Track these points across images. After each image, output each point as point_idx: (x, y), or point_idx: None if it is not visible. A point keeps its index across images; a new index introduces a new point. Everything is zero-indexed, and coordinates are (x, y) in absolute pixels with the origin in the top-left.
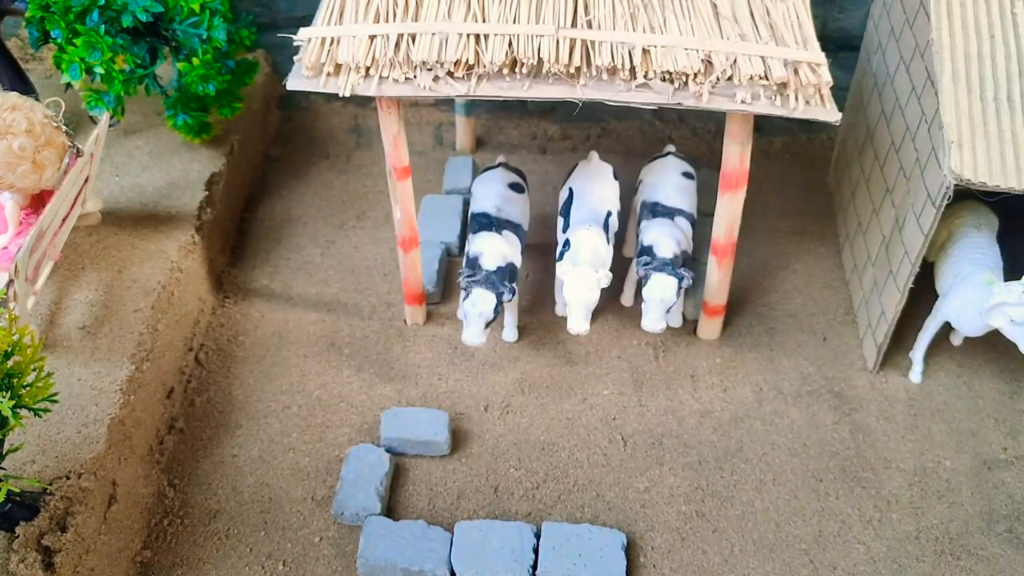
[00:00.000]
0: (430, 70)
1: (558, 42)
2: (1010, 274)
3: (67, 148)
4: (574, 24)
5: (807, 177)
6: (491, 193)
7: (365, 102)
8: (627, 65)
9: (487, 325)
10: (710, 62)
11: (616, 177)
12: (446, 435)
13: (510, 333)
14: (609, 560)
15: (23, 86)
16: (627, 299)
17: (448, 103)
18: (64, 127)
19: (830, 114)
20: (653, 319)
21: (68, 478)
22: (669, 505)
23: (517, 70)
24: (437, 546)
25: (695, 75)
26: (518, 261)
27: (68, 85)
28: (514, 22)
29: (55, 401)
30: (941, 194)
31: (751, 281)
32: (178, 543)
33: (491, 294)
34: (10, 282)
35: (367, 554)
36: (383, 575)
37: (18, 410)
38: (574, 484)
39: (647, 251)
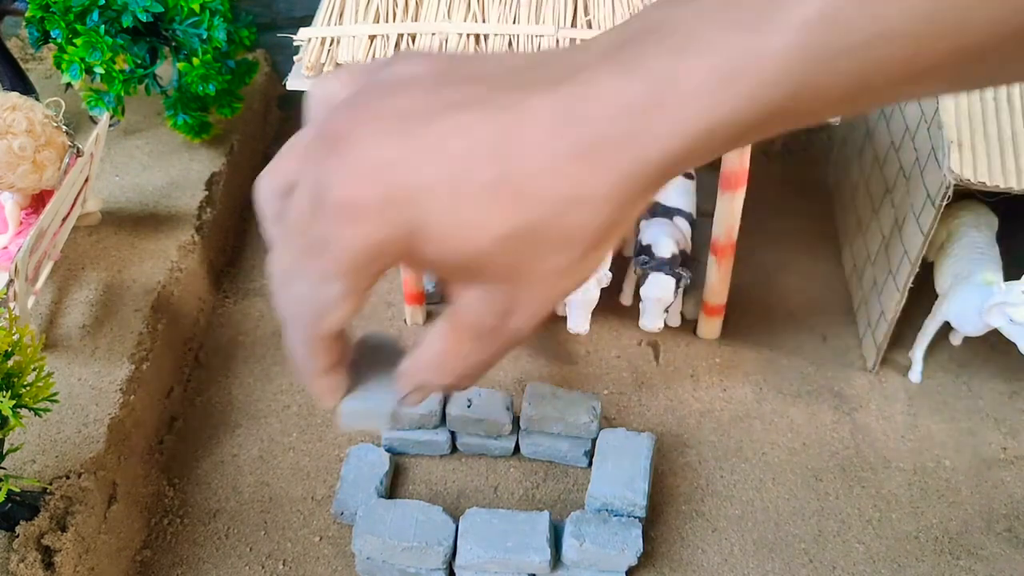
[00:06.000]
0: None
1: (558, 42)
2: (1010, 274)
3: (67, 148)
4: (574, 24)
5: (807, 177)
6: None
7: None
8: None
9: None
10: None
11: None
12: (446, 435)
13: None
14: None
15: (23, 86)
16: (626, 298)
17: None
18: (64, 127)
19: None
20: (651, 318)
21: (68, 478)
22: (668, 505)
23: None
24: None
25: None
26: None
27: (68, 85)
28: (514, 22)
29: (55, 401)
30: (941, 194)
31: (751, 281)
32: (178, 543)
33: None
34: (10, 282)
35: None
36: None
37: (18, 410)
38: (574, 484)
39: (645, 250)
